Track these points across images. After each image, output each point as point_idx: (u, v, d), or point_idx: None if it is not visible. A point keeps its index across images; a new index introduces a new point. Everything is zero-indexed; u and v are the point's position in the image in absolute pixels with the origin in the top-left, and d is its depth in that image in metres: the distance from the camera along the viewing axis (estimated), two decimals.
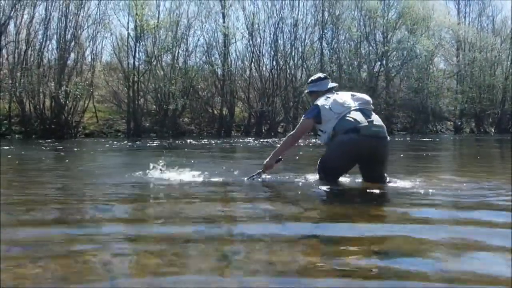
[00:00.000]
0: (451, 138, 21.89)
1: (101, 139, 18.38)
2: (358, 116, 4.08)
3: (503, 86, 30.67)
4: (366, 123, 4.02)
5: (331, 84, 4.51)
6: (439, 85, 29.15)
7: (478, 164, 7.68)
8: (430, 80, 28.24)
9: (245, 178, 4.46)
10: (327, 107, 4.17)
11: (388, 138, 4.17)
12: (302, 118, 4.43)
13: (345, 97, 4.26)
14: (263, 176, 4.41)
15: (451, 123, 30.44)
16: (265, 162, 4.39)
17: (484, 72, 30.49)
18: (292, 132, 4.47)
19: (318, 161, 4.44)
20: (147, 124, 22.00)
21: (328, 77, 4.66)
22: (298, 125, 4.42)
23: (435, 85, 28.59)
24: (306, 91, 4.71)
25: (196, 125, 23.54)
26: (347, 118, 4.08)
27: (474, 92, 29.87)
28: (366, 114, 4.13)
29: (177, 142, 14.89)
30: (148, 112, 22.50)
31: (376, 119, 4.13)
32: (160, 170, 4.79)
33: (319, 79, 4.61)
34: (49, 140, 15.67)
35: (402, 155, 9.08)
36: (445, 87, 30.18)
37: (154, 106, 22.69)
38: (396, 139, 17.74)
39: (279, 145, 4.53)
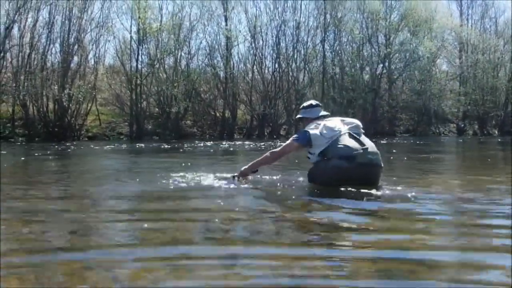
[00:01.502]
0: (459, 140, 21.84)
1: (104, 141, 18.45)
2: (351, 142, 4.13)
3: (506, 88, 30.59)
4: (361, 151, 4.08)
5: (322, 112, 4.60)
6: (441, 87, 29.10)
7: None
8: (433, 82, 28.21)
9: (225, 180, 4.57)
10: (318, 133, 4.26)
11: (382, 165, 4.26)
12: (291, 139, 4.49)
13: (335, 122, 4.34)
14: (235, 181, 4.53)
15: (454, 125, 30.38)
16: (242, 169, 4.58)
17: (487, 74, 30.43)
18: (275, 150, 4.58)
19: (308, 171, 4.50)
20: (150, 127, 22.09)
21: (320, 104, 4.74)
22: (284, 144, 4.52)
23: (437, 87, 28.56)
24: (297, 116, 4.80)
25: (199, 127, 23.62)
26: (339, 144, 4.15)
27: (477, 94, 29.81)
28: (359, 140, 4.18)
29: (187, 145, 14.91)
30: (151, 115, 22.59)
31: (370, 145, 4.19)
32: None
33: (311, 106, 4.71)
34: (54, 143, 15.74)
35: (405, 158, 9.10)
36: (448, 89, 30.13)
37: (157, 109, 22.78)
38: (399, 141, 17.72)
39: (259, 158, 4.63)
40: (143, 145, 14.87)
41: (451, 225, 3.01)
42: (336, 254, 2.27)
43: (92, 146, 14.53)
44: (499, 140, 21.55)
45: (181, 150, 12.53)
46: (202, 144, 15.33)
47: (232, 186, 4.39)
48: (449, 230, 2.83)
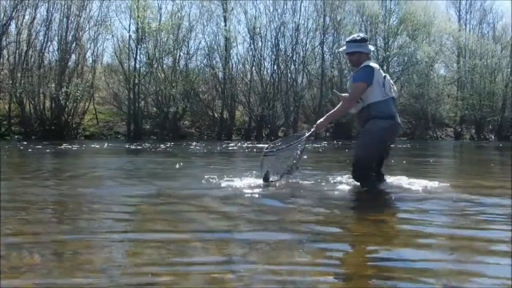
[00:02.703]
0: (456, 144, 21.84)
1: (102, 141, 18.28)
2: (393, 105, 4.41)
3: (503, 93, 30.70)
4: (396, 113, 4.42)
5: (372, 47, 4.68)
6: (439, 91, 29.15)
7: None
8: (431, 86, 28.25)
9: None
10: (380, 80, 4.34)
11: None
12: (357, 82, 4.36)
13: (391, 83, 4.48)
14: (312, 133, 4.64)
15: (451, 129, 30.42)
16: (318, 122, 4.50)
17: (484, 79, 30.52)
18: (348, 99, 4.45)
19: (354, 161, 4.40)
20: (148, 127, 21.90)
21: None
22: (353, 89, 4.38)
23: (435, 91, 28.61)
24: (346, 50, 4.49)
25: (197, 128, 23.47)
26: (388, 104, 4.35)
27: (474, 99, 29.87)
28: (394, 105, 4.48)
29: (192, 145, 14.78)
30: (149, 115, 22.41)
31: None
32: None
33: (364, 40, 4.56)
34: (51, 141, 15.56)
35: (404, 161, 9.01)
36: (446, 93, 30.18)
37: (155, 109, 22.62)
38: (397, 145, 17.68)
39: (332, 112, 4.58)
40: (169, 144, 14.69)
41: None
42: None
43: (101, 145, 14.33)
44: (498, 145, 21.64)
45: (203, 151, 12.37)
46: (231, 145, 15.18)
47: None
48: None
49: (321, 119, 4.52)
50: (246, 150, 13.00)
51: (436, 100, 28.60)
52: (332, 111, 4.59)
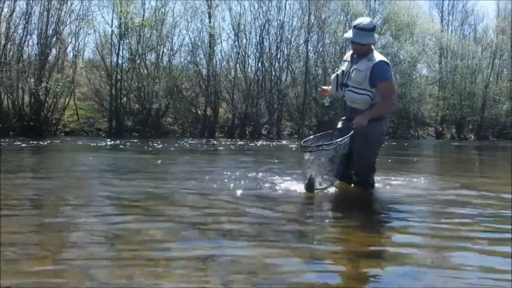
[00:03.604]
0: (438, 143, 22.09)
1: (83, 137, 17.98)
2: None
3: (483, 94, 31.11)
4: None
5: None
6: (421, 91, 29.42)
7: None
8: (413, 86, 28.47)
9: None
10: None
11: None
12: (385, 81, 4.27)
13: None
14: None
15: (433, 128, 30.72)
16: (357, 119, 4.22)
17: (465, 79, 30.88)
18: (389, 97, 4.32)
19: (359, 163, 4.33)
20: (130, 123, 21.57)
21: None
22: (385, 90, 4.26)
23: (417, 91, 28.86)
24: (359, 40, 4.27)
25: (180, 125, 23.22)
26: None
27: (455, 99, 30.22)
28: None
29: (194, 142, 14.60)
30: (131, 111, 22.06)
31: None
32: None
33: (375, 28, 4.41)
34: (29, 138, 15.22)
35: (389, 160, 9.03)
36: (427, 93, 30.46)
37: (137, 105, 22.29)
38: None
39: (373, 111, 4.30)
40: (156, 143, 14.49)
41: None
42: None
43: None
44: (477, 144, 22.10)
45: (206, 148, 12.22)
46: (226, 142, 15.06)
47: None
48: None
49: (360, 117, 4.22)
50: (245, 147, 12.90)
51: (418, 100, 28.86)
52: (373, 109, 4.28)
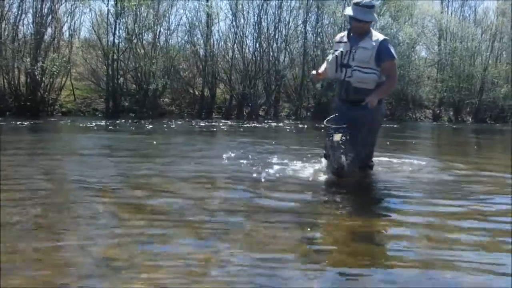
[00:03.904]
0: (436, 126, 22.09)
1: (79, 117, 17.92)
2: None
3: (481, 77, 30.93)
4: None
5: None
6: (420, 73, 29.23)
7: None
8: (412, 68, 28.28)
9: None
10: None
11: None
12: (392, 59, 4.26)
13: None
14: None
15: (430, 111, 30.64)
16: (370, 98, 4.11)
17: (464, 62, 30.65)
18: (395, 76, 4.35)
19: (354, 147, 4.18)
20: (127, 104, 21.45)
21: None
22: (390, 69, 4.26)
23: (416, 73, 28.67)
24: (361, 16, 4.18)
25: (177, 106, 23.10)
26: None
27: (453, 82, 30.03)
28: None
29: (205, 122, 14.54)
30: (128, 92, 21.92)
31: None
32: None
33: (375, 6, 4.36)
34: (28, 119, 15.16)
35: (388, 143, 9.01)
36: (426, 75, 30.28)
37: (134, 86, 22.13)
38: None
39: (383, 90, 4.26)
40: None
41: None
42: None
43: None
44: (475, 127, 22.11)
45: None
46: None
47: None
48: None
49: (372, 97, 4.11)
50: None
51: (416, 82, 28.70)
52: (381, 89, 4.22)
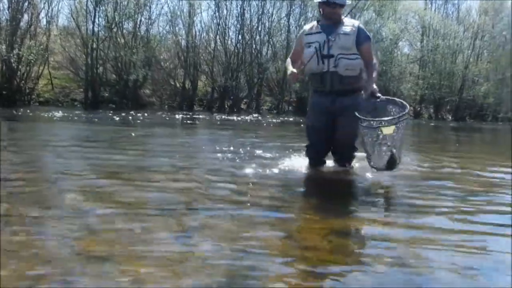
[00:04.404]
0: (415, 123, 22.22)
1: (58, 108, 17.50)
2: None
3: (462, 75, 31.21)
4: None
5: None
6: (402, 69, 29.34)
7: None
8: (394, 64, 28.36)
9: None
10: None
11: None
12: (369, 42, 4.14)
13: None
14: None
15: (411, 108, 30.78)
16: (370, 89, 3.96)
17: (445, 59, 30.89)
18: (374, 61, 4.13)
19: (346, 136, 4.10)
20: (106, 94, 21.04)
21: None
22: (369, 51, 4.11)
23: (398, 69, 28.76)
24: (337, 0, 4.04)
25: (158, 97, 22.75)
26: None
27: (435, 79, 30.25)
28: None
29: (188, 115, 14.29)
30: (108, 82, 21.49)
31: None
32: None
33: None
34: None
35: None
36: (408, 71, 30.41)
37: (114, 76, 21.70)
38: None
39: (372, 74, 4.08)
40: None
41: None
42: None
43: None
44: (455, 125, 22.34)
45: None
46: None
47: None
48: None
49: (370, 85, 3.96)
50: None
51: (398, 78, 28.80)
52: (372, 76, 4.05)
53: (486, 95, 31.39)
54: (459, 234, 2.48)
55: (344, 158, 4.28)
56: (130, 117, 13.07)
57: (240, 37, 23.97)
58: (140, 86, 21.86)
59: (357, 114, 3.78)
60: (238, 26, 23.96)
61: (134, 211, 2.60)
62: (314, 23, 4.28)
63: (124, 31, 21.92)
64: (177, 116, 15.08)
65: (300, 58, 4.23)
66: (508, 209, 3.26)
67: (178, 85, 23.05)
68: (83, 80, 20.75)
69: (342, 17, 4.13)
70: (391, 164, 3.71)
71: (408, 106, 3.85)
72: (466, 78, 31.18)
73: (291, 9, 24.99)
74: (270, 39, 24.88)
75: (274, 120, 15.95)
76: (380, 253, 2.10)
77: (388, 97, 4.06)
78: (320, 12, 4.24)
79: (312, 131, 4.34)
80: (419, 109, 30.48)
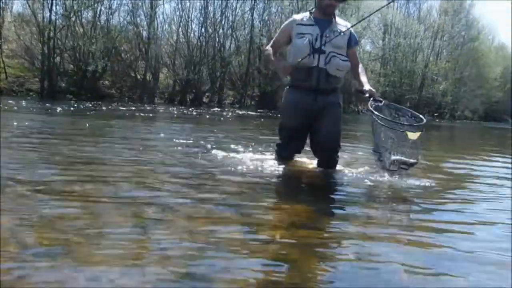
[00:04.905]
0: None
1: (12, 98, 16.84)
2: None
3: (422, 73, 31.93)
4: None
5: None
6: (364, 66, 29.62)
7: None
8: None
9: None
10: None
11: None
12: (355, 48, 4.06)
13: None
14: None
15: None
16: (368, 89, 3.94)
17: (406, 57, 31.52)
18: (359, 62, 4.11)
19: (331, 137, 3.94)
20: (64, 85, 20.41)
21: None
22: (356, 55, 4.09)
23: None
24: None
25: (117, 89, 22.25)
26: None
27: (395, 76, 30.83)
28: None
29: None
30: (65, 72, 20.86)
31: None
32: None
33: None
34: None
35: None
36: (370, 69, 30.83)
37: (72, 66, 21.08)
38: None
39: (366, 76, 4.10)
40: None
41: None
42: None
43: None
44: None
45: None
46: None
47: None
48: None
49: (370, 87, 3.93)
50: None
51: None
52: (364, 76, 4.04)
53: (445, 93, 32.23)
54: (419, 230, 2.46)
55: (330, 162, 4.02)
56: (88, 109, 12.69)
57: (203, 30, 23.77)
58: (99, 77, 21.33)
59: (378, 114, 3.74)
60: (201, 19, 23.77)
61: (89, 204, 2.49)
62: (307, 14, 3.95)
63: (83, 20, 21.33)
64: (137, 108, 14.74)
65: (281, 49, 4.02)
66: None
67: (139, 77, 22.63)
68: (39, 70, 20.07)
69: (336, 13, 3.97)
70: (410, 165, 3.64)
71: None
72: (426, 76, 31.95)
73: (255, 4, 24.93)
74: (234, 33, 24.74)
75: (236, 114, 15.85)
76: (343, 249, 2.12)
77: (391, 103, 4.09)
78: (316, 2, 3.98)
79: (287, 130, 4.07)
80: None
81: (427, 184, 3.71)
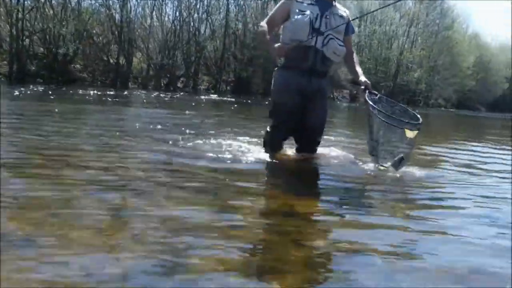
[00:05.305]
0: (352, 107, 22.66)
1: None
2: None
3: (397, 60, 32.17)
4: None
5: None
6: None
7: None
8: None
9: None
10: None
11: None
12: (351, 36, 4.00)
13: None
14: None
15: (347, 91, 31.41)
16: (364, 80, 3.82)
17: (382, 45, 31.68)
18: (354, 53, 4.02)
19: (321, 121, 3.89)
20: (33, 68, 19.82)
21: None
22: (351, 43, 3.99)
23: None
24: None
25: (89, 73, 21.72)
26: None
27: (371, 64, 30.97)
28: None
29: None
30: (35, 55, 20.24)
31: None
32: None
33: None
34: None
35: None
36: None
37: (42, 49, 20.47)
38: None
39: (357, 65, 3.97)
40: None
41: None
42: None
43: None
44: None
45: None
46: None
47: None
48: None
49: (365, 79, 3.81)
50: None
51: (336, 63, 29.13)
52: (357, 66, 3.93)
53: (419, 81, 32.59)
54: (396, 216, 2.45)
55: (314, 145, 3.96)
56: (58, 93, 12.33)
57: (177, 13, 23.38)
58: (70, 61, 20.77)
59: (380, 109, 3.63)
60: (176, 2, 23.35)
61: (61, 187, 2.41)
62: None
63: (53, 2, 20.69)
64: (109, 93, 14.41)
65: (277, 27, 3.80)
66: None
67: (111, 61, 22.13)
68: (6, 52, 19.44)
69: None
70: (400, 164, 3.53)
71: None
72: (401, 64, 32.21)
73: None
74: (209, 18, 24.39)
75: (211, 99, 15.67)
76: (317, 233, 2.11)
77: (389, 99, 3.96)
78: None
79: (283, 110, 3.82)
80: (355, 92, 31.11)
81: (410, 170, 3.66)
